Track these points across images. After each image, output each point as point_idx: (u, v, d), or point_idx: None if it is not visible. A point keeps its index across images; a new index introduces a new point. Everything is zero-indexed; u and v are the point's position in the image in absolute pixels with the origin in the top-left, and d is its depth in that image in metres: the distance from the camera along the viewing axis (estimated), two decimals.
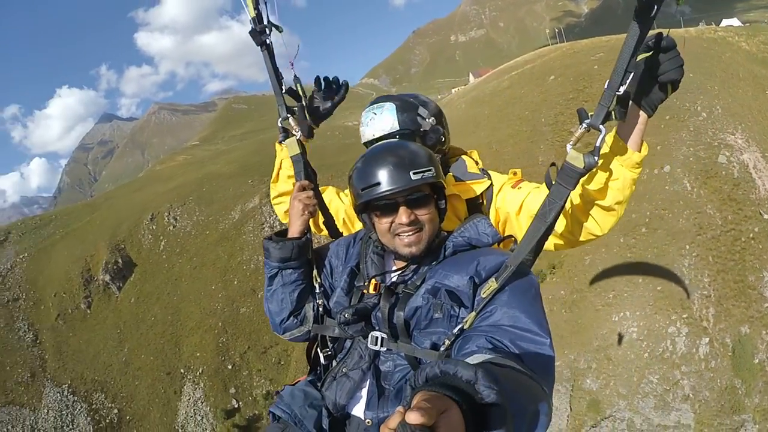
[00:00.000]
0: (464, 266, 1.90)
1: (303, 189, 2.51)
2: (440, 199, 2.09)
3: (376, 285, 2.09)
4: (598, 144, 1.81)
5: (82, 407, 46.44)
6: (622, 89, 1.72)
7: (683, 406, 20.93)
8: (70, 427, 45.56)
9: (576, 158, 1.83)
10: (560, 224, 2.30)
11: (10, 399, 46.05)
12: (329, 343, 2.28)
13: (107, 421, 46.87)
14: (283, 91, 2.74)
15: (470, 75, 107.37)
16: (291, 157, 2.68)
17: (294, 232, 2.41)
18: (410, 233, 1.99)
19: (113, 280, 53.45)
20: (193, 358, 48.77)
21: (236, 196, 58.15)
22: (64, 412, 46.20)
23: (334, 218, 2.94)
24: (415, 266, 2.06)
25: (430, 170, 1.97)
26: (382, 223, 2.04)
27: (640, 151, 2.03)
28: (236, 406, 46.73)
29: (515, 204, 2.49)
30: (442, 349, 1.83)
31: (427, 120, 2.69)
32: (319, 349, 2.31)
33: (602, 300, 24.81)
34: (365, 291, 2.12)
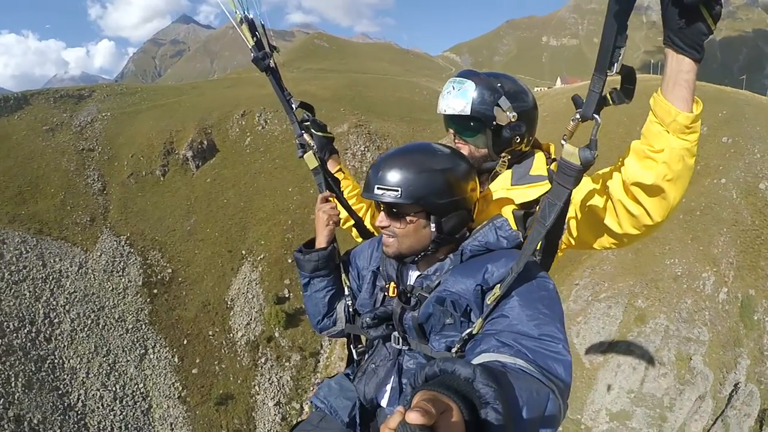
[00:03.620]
0: (473, 272, 1.87)
1: (325, 201, 2.58)
2: (441, 217, 1.98)
3: (394, 288, 2.15)
4: (593, 136, 1.65)
5: (136, 259, 47.47)
6: (615, 68, 1.55)
7: (703, 328, 27.65)
8: (120, 274, 46.45)
9: (572, 154, 1.68)
10: (610, 216, 2.05)
11: (64, 235, 47.13)
12: (363, 340, 2.48)
13: (159, 277, 47.73)
14: (294, 108, 2.79)
15: (558, 79, 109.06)
16: (311, 170, 2.71)
17: (320, 242, 2.54)
18: (386, 235, 2.05)
19: (194, 158, 55.44)
20: (257, 244, 50.07)
21: (327, 119, 60.22)
22: (117, 260, 47.13)
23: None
24: (432, 269, 2.06)
25: (395, 191, 1.91)
26: (375, 216, 2.23)
27: (691, 111, 1.68)
28: (287, 295, 47.85)
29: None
30: (453, 351, 1.89)
31: (506, 114, 2.33)
32: (352, 346, 2.50)
33: (660, 250, 30.84)
34: (386, 293, 2.19)
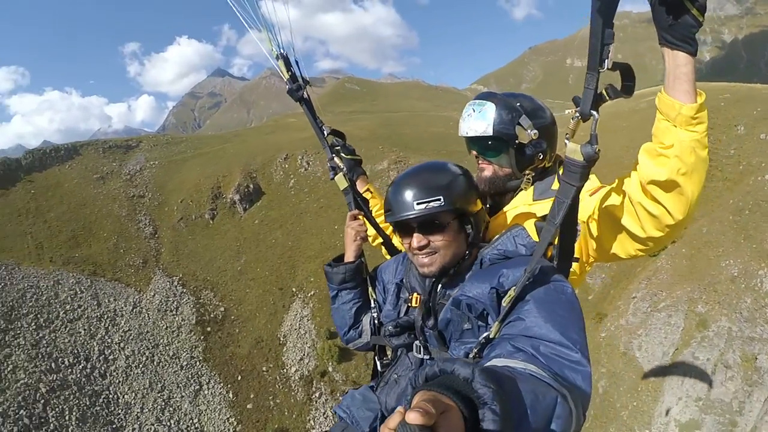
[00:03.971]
0: (489, 277, 1.90)
1: (354, 218, 2.75)
2: (466, 224, 2.08)
3: (417, 298, 2.20)
4: (592, 131, 1.69)
5: (189, 299, 48.49)
6: (606, 64, 1.60)
7: (765, 326, 27.31)
8: (174, 313, 47.45)
9: (574, 151, 1.72)
10: (630, 219, 2.03)
11: (117, 277, 48.66)
12: (388, 351, 2.55)
13: (212, 315, 48.45)
14: (326, 134, 3.03)
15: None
16: (342, 190, 2.90)
17: (348, 256, 2.71)
18: (423, 256, 2.06)
19: (241, 201, 57.10)
20: (306, 282, 50.63)
21: (367, 157, 62.86)
22: (170, 299, 48.25)
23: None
24: (451, 279, 2.09)
25: (437, 200, 1.98)
26: (404, 243, 2.16)
27: (694, 102, 1.71)
28: None
29: (587, 212, 2.22)
30: (470, 356, 1.89)
31: (527, 131, 2.38)
32: (377, 358, 2.58)
33: (714, 253, 30.96)
34: (410, 304, 2.25)
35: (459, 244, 2.09)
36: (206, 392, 43.79)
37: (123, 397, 41.36)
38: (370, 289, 2.66)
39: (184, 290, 49.07)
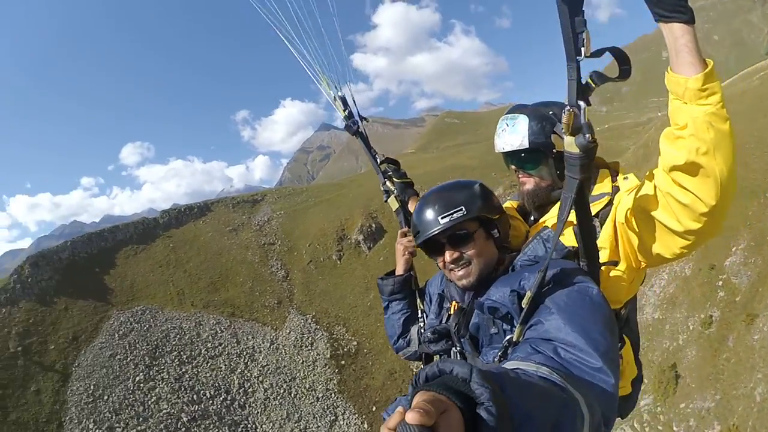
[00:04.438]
0: (511, 280, 1.90)
1: (404, 235, 2.87)
2: (491, 230, 2.15)
3: (455, 306, 2.25)
4: (582, 121, 1.65)
5: (323, 335, 49.39)
6: (583, 52, 1.54)
7: None
8: (309, 348, 48.47)
9: (570, 144, 1.69)
10: (664, 213, 1.89)
11: (255, 317, 51.03)
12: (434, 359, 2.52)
13: (345, 350, 48.93)
14: (379, 162, 3.25)
15: None
16: (394, 211, 3.11)
17: (398, 270, 2.87)
18: (458, 269, 2.12)
19: (365, 241, 58.38)
20: None
21: None
22: (305, 336, 49.42)
23: None
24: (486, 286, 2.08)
25: (459, 210, 2.06)
26: (438, 261, 2.22)
27: (699, 73, 1.58)
28: None
29: (625, 211, 2.12)
30: (494, 360, 1.89)
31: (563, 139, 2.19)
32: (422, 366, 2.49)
33: None
34: (450, 312, 2.30)
35: (489, 250, 2.16)
36: (341, 423, 43.94)
37: (261, 426, 42.46)
38: (418, 300, 2.77)
39: (318, 327, 50.09)
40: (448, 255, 2.12)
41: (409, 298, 2.82)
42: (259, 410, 43.68)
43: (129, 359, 45.14)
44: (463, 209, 2.06)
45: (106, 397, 41.93)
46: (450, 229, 2.08)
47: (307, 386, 45.52)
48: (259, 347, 48.37)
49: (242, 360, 47.00)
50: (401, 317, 2.80)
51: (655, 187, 1.91)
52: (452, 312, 2.25)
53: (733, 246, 28.02)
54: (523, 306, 1.74)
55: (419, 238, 2.17)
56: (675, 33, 1.57)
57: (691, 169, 1.68)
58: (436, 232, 2.09)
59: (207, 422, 41.61)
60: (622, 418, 2.59)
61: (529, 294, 1.72)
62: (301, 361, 47.19)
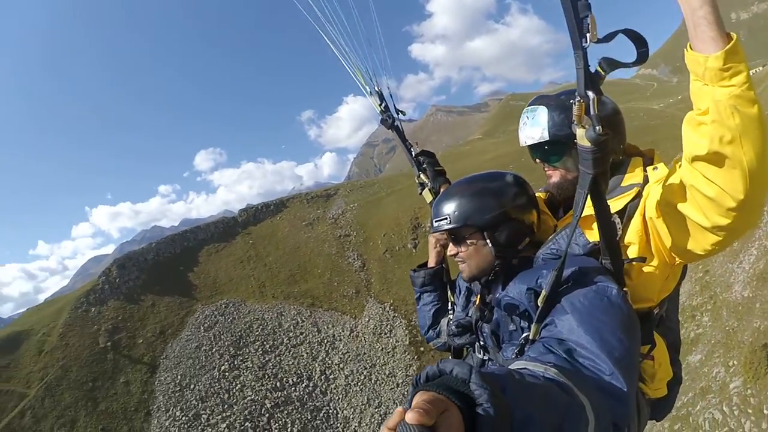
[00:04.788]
0: (530, 277, 1.87)
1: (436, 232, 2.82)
2: (493, 232, 2.10)
3: (479, 300, 2.32)
4: (592, 112, 1.55)
5: (401, 322, 48.82)
6: (588, 38, 1.47)
7: None
8: (388, 335, 48.00)
9: (581, 137, 1.61)
10: (691, 207, 1.71)
11: (333, 306, 51.38)
12: (465, 353, 2.65)
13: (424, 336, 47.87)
14: (414, 155, 3.21)
15: None
16: (428, 203, 2.95)
17: (430, 263, 2.93)
18: (459, 262, 2.23)
19: None
20: None
21: None
22: (383, 323, 48.99)
23: None
24: (506, 281, 2.11)
25: (444, 219, 2.13)
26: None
27: (720, 49, 1.42)
28: None
29: (653, 204, 1.94)
30: (511, 356, 1.92)
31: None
32: (452, 357, 2.58)
33: None
34: (474, 306, 2.36)
35: (482, 257, 2.14)
36: None
37: (342, 412, 42.64)
38: (449, 292, 2.85)
39: (396, 314, 49.58)
40: (449, 250, 2.24)
41: (440, 290, 2.91)
42: (340, 396, 43.82)
43: (214, 350, 46.39)
44: (448, 219, 2.13)
45: (192, 386, 43.21)
46: (439, 232, 2.21)
47: (387, 372, 45.22)
48: (339, 335, 48.66)
49: (323, 348, 47.39)
50: (432, 308, 2.86)
51: (681, 178, 1.74)
52: (476, 305, 2.30)
53: None
54: (539, 304, 1.72)
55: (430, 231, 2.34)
56: (692, 4, 1.41)
57: (716, 159, 1.51)
58: (432, 232, 2.34)
59: (290, 408, 42.10)
60: (658, 421, 2.50)
61: (544, 293, 1.70)
62: (380, 348, 46.93)
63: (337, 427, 41.43)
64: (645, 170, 2.17)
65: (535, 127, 2.31)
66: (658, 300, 2.12)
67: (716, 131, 1.45)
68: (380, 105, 3.33)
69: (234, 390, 43.11)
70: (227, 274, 54.77)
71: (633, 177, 2.15)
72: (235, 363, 45.45)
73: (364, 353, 47.06)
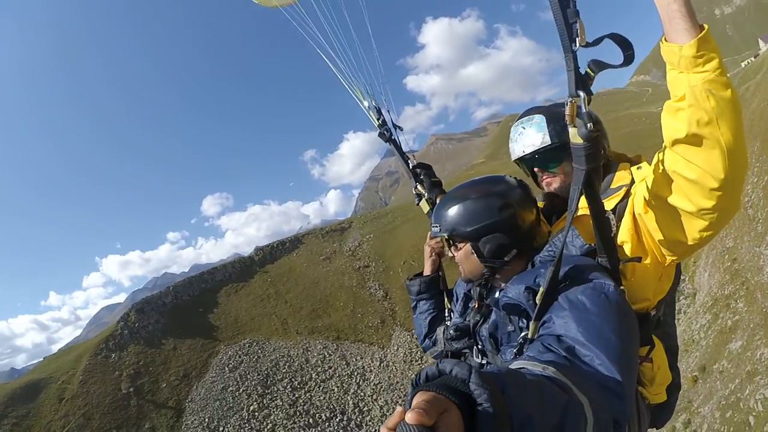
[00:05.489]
0: (527, 277, 1.87)
1: (433, 237, 2.77)
2: (476, 242, 2.12)
3: (478, 305, 2.29)
4: (583, 110, 1.63)
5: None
6: (578, 42, 1.54)
7: None
8: (420, 362, 47.55)
9: (574, 135, 1.67)
10: (675, 194, 1.76)
11: (360, 338, 50.86)
12: (462, 358, 2.56)
13: None
14: (411, 167, 3.29)
15: (760, 41, 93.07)
16: (426, 213, 3.08)
17: (425, 271, 2.95)
18: (458, 264, 2.27)
19: None
20: None
21: None
22: (413, 350, 48.51)
23: None
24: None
25: (436, 227, 2.21)
26: None
27: (694, 38, 1.50)
28: None
29: (640, 201, 1.98)
30: (510, 358, 1.91)
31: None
32: None
33: None
34: (474, 310, 2.33)
35: (471, 264, 2.18)
36: None
37: None
38: (446, 300, 2.82)
39: None
40: (449, 253, 2.31)
41: (436, 298, 2.89)
42: (376, 428, 42.41)
43: (241, 390, 45.33)
44: (438, 227, 2.19)
45: (221, 429, 41.99)
46: (435, 236, 2.28)
47: None
48: (369, 366, 47.83)
49: (354, 380, 46.51)
50: (428, 317, 2.84)
51: (663, 167, 1.80)
52: (475, 309, 2.29)
53: None
54: (537, 302, 1.70)
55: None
56: (667, 1, 1.51)
57: (695, 140, 1.59)
58: (431, 237, 2.46)
59: None
60: (658, 428, 2.50)
61: (542, 289, 1.69)
62: (412, 375, 45.14)
63: None
64: (632, 172, 2.25)
65: (536, 134, 2.38)
66: (655, 301, 2.12)
67: (693, 114, 1.52)
68: (378, 120, 3.39)
69: (265, 430, 42.02)
70: (248, 314, 54.07)
71: (621, 179, 2.22)
72: (264, 402, 44.39)
73: (397, 382, 46.19)
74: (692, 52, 1.49)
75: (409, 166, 3.29)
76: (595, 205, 1.82)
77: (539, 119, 2.39)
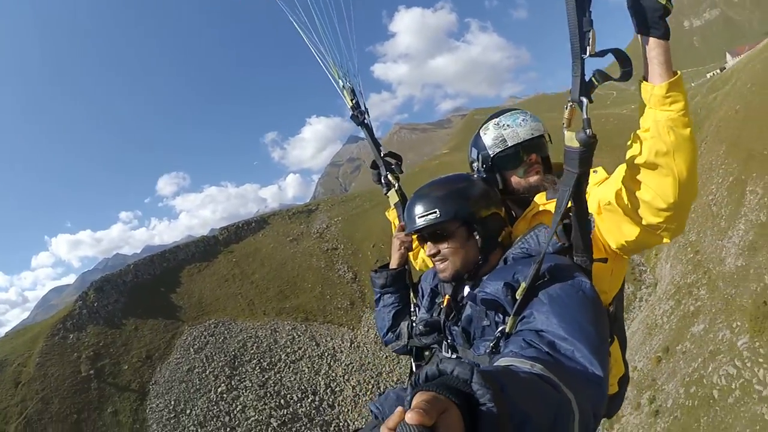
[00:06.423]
0: (505, 273, 1.92)
1: (402, 229, 2.85)
2: (473, 231, 2.15)
3: (447, 300, 2.27)
4: (584, 116, 1.70)
5: None
6: (588, 50, 1.60)
7: None
8: None
9: (571, 139, 1.73)
10: (626, 207, 1.98)
11: (329, 319, 50.66)
12: (425, 355, 2.61)
13: None
14: (382, 155, 3.22)
15: (727, 55, 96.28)
16: (393, 204, 3.14)
17: (392, 264, 2.87)
18: (438, 262, 2.18)
19: None
20: None
21: None
22: None
23: None
24: (476, 280, 2.14)
25: (433, 213, 2.11)
26: (424, 251, 2.30)
27: (667, 81, 1.67)
28: None
29: (594, 204, 2.13)
30: (486, 351, 1.90)
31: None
32: (413, 360, 2.65)
33: None
34: (442, 307, 2.31)
35: (469, 250, 2.16)
36: None
37: (353, 423, 41.80)
38: (411, 295, 2.83)
39: None
40: (428, 249, 2.19)
41: (401, 292, 2.84)
42: (349, 408, 42.77)
43: (208, 371, 44.38)
44: (437, 212, 2.11)
45: (188, 411, 41.03)
46: (427, 228, 2.14)
47: (395, 380, 44.52)
48: (339, 347, 47.62)
49: (324, 361, 46.25)
50: (392, 310, 2.79)
51: (621, 182, 1.97)
52: (444, 306, 2.26)
53: None
54: (517, 297, 1.75)
55: (406, 230, 2.29)
56: (649, 45, 1.65)
57: (652, 167, 1.77)
58: (413, 230, 2.19)
59: (298, 425, 40.69)
60: (608, 418, 2.65)
61: (524, 285, 1.74)
62: (384, 357, 46.28)
63: None
64: None
65: (538, 123, 2.56)
66: (611, 296, 2.32)
67: (654, 145, 1.71)
68: (352, 100, 3.30)
69: (235, 412, 41.29)
70: (212, 294, 52.90)
71: None
72: (233, 384, 43.63)
73: (369, 363, 46.21)
74: (662, 93, 1.65)
75: (380, 153, 3.22)
76: (581, 206, 1.87)
77: (531, 114, 2.59)
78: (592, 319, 1.61)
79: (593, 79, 1.66)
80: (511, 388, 1.04)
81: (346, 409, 42.53)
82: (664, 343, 30.81)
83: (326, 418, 41.56)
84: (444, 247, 2.13)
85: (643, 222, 1.93)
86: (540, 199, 2.48)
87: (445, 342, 2.22)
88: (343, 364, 45.89)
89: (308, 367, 45.43)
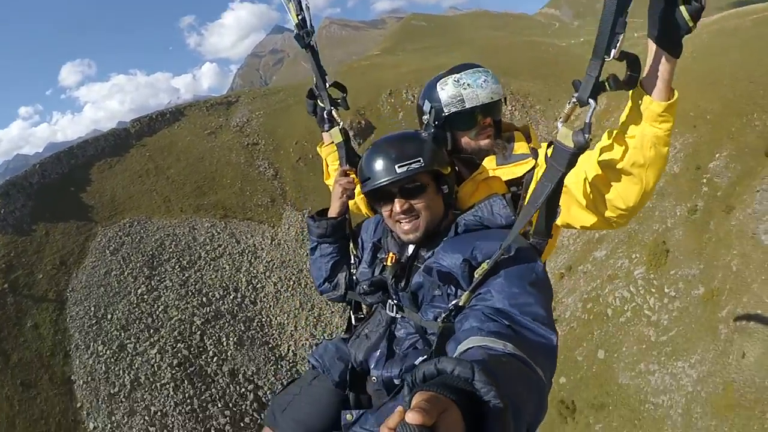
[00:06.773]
0: (463, 247, 1.92)
1: (345, 174, 2.66)
2: (442, 185, 2.16)
3: (392, 258, 2.21)
4: (587, 120, 1.64)
5: None
6: (613, 53, 1.50)
7: None
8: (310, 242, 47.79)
9: (566, 137, 1.68)
10: (584, 196, 2.03)
11: (249, 216, 50.14)
12: (363, 308, 2.66)
13: None
14: (327, 86, 2.94)
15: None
16: (336, 144, 2.87)
17: (332, 212, 2.71)
18: (407, 221, 2.11)
19: (355, 137, 56.78)
20: None
21: None
22: (305, 230, 47.28)
23: None
24: (428, 242, 2.15)
25: (417, 161, 2.05)
26: (384, 211, 2.20)
27: (665, 101, 1.68)
28: None
29: None
30: (438, 321, 1.95)
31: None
32: (352, 312, 2.68)
33: None
34: (385, 263, 2.25)
35: (437, 205, 2.16)
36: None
37: (276, 319, 42.87)
38: (351, 245, 2.68)
39: None
40: (398, 205, 2.11)
41: (341, 242, 2.71)
42: (271, 303, 43.69)
43: (126, 273, 43.39)
44: (421, 161, 2.07)
45: (110, 316, 40.32)
46: (405, 179, 2.09)
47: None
48: (260, 244, 47.65)
49: (245, 258, 46.30)
50: (330, 261, 2.69)
51: (584, 170, 1.98)
52: (389, 263, 2.22)
53: (717, 153, 31.27)
54: (476, 275, 1.80)
55: (368, 185, 2.16)
56: (660, 59, 1.61)
57: (625, 173, 1.85)
58: (390, 181, 2.08)
59: (221, 322, 41.23)
60: None
61: (485, 266, 1.78)
62: (305, 254, 46.54)
63: (273, 334, 41.60)
64: (528, 142, 2.53)
65: (497, 85, 2.50)
66: (544, 260, 2.29)
67: (634, 156, 1.78)
68: (298, 16, 2.87)
69: (157, 312, 41.12)
70: (126, 191, 50.52)
71: (520, 147, 2.47)
72: (153, 284, 43.10)
73: (290, 260, 46.72)
74: (658, 111, 1.67)
75: (325, 84, 2.94)
76: (554, 197, 1.90)
77: (492, 75, 2.50)
78: (545, 298, 1.71)
79: (606, 83, 1.62)
80: (503, 379, 1.07)
81: (268, 305, 43.38)
82: (567, 262, 34.11)
83: (249, 315, 42.33)
84: (417, 203, 2.10)
85: (597, 212, 2.04)
86: (489, 163, 2.47)
87: (390, 301, 2.23)
88: (264, 261, 46.15)
89: (229, 265, 45.36)
